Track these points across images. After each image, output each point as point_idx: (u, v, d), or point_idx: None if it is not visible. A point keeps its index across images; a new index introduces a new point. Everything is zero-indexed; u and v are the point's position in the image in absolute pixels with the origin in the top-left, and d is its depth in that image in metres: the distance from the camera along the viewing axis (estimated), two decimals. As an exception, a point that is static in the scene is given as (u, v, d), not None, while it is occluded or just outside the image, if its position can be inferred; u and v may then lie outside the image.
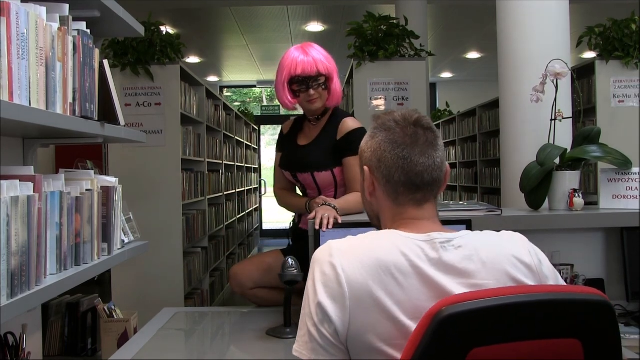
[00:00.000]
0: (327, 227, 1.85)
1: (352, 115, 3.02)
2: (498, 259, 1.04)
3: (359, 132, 2.24)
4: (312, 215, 1.92)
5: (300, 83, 2.21)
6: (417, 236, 1.05)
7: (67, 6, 1.44)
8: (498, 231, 1.14)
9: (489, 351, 0.88)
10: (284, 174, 2.42)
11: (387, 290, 0.97)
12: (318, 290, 1.00)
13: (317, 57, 2.20)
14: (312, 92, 2.22)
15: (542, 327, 0.90)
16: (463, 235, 1.07)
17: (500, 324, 0.90)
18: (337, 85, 2.29)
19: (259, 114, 11.30)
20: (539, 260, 1.08)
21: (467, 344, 0.88)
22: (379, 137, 1.14)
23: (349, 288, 0.98)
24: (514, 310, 0.90)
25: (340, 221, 1.91)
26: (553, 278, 1.09)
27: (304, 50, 2.22)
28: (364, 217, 2.11)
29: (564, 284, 1.28)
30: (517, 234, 1.13)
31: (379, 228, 1.18)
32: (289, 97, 2.25)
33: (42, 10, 1.30)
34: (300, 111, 2.44)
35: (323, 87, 2.23)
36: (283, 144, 2.45)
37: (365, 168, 1.17)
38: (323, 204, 2.06)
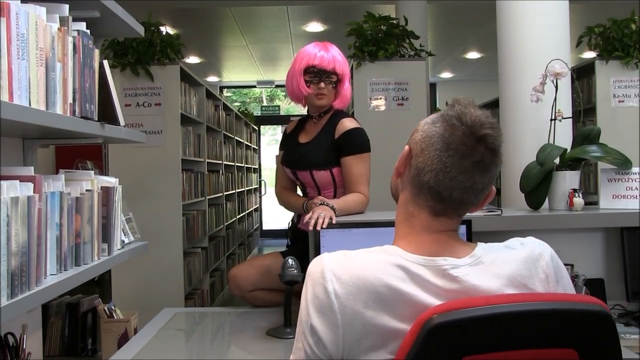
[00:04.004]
0: (322, 226, 1.86)
1: (352, 115, 3.03)
2: (509, 285, 0.98)
3: (356, 132, 2.29)
4: (309, 215, 1.93)
5: (314, 74, 2.29)
6: (418, 258, 0.98)
7: (67, 6, 1.44)
8: (505, 237, 1.07)
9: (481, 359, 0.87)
10: (285, 172, 2.44)
11: (383, 313, 0.93)
12: (311, 313, 0.97)
13: (336, 57, 2.31)
14: (322, 85, 2.28)
15: (537, 337, 0.89)
16: (472, 262, 0.99)
17: (492, 332, 0.89)
18: (346, 89, 2.36)
19: (259, 114, 11.29)
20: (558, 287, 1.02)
21: (458, 352, 0.87)
22: (438, 127, 1.01)
23: (342, 315, 0.94)
24: (507, 319, 0.89)
25: (334, 221, 1.92)
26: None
27: (325, 47, 2.32)
28: (363, 218, 2.12)
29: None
30: (537, 251, 1.04)
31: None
32: (304, 85, 2.30)
33: (42, 10, 1.30)
34: (299, 113, 2.45)
35: (333, 85, 2.31)
36: (286, 143, 2.49)
37: (407, 147, 1.06)
38: (321, 204, 2.07)
